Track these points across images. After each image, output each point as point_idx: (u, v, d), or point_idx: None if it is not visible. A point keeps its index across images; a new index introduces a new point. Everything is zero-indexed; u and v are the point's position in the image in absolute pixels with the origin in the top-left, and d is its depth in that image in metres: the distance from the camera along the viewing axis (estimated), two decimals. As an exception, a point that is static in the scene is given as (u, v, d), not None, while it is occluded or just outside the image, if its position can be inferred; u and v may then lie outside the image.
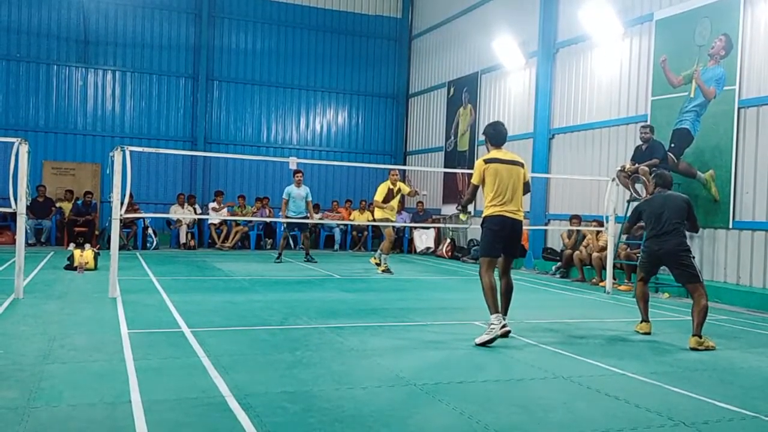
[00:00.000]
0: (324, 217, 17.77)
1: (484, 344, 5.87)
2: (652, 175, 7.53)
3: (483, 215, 6.49)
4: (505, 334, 6.10)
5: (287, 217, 13.40)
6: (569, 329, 7.07)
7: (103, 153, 16.72)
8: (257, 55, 19.28)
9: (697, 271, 6.62)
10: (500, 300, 6.35)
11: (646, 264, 7.11)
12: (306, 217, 13.57)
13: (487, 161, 6.43)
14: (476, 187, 6.58)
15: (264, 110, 19.44)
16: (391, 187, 12.36)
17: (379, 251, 12.59)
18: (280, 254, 13.79)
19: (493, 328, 5.95)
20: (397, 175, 12.51)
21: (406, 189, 12.72)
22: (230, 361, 5.02)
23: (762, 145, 9.69)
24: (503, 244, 6.36)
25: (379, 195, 12.39)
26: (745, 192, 9.87)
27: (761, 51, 9.73)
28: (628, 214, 11.13)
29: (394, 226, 12.80)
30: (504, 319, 6.26)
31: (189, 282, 10.19)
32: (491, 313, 6.07)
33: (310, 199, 13.76)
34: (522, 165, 6.51)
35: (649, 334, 6.91)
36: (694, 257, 6.76)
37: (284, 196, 13.59)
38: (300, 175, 13.64)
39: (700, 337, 6.27)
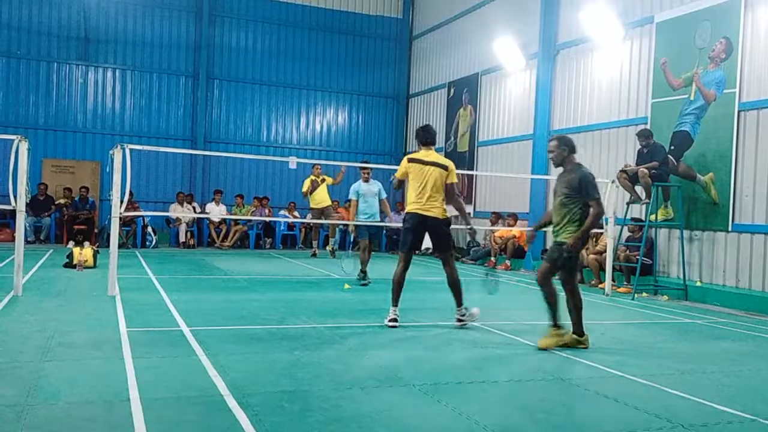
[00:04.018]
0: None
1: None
2: None
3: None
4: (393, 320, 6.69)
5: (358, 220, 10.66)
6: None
7: (102, 151, 16.70)
8: (257, 54, 19.28)
9: None
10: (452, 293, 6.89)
11: None
12: (381, 219, 10.96)
13: (410, 160, 6.93)
14: (400, 182, 7.11)
15: (264, 110, 19.44)
16: (314, 178, 13.83)
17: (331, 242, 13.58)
18: (363, 271, 10.34)
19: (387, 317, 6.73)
20: (319, 168, 14.12)
21: (329, 180, 14.23)
22: (229, 359, 5.02)
23: (762, 149, 9.69)
24: (418, 238, 6.79)
25: (305, 186, 14.00)
26: (744, 195, 9.88)
27: (761, 54, 9.74)
28: (628, 216, 11.19)
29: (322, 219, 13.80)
30: (461, 310, 6.81)
31: (188, 281, 10.18)
32: (392, 305, 6.77)
33: (384, 196, 10.91)
34: (445, 168, 6.82)
35: None
36: None
37: (351, 196, 10.79)
38: (367, 172, 10.74)
39: None
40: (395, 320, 6.70)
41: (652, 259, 10.97)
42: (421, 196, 6.73)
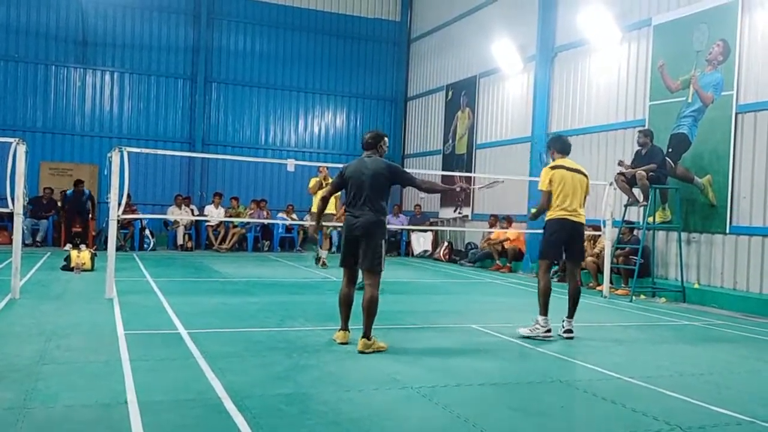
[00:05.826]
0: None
1: (524, 337, 6.45)
2: None
3: (546, 218, 6.81)
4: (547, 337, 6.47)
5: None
6: (566, 333, 7.05)
7: (100, 154, 16.65)
8: (255, 57, 19.29)
9: None
10: (567, 303, 6.79)
11: None
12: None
13: (555, 167, 6.81)
14: (549, 194, 6.75)
15: (262, 112, 19.45)
16: (320, 180, 12.89)
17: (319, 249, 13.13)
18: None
19: (537, 328, 6.47)
20: (326, 170, 12.88)
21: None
22: (227, 362, 5.01)
23: (759, 151, 9.71)
24: (564, 246, 6.74)
25: (311, 183, 12.99)
26: (742, 197, 9.89)
27: (759, 57, 9.76)
28: (625, 219, 11.19)
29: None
30: (571, 322, 6.71)
31: (186, 283, 10.17)
32: (540, 314, 6.51)
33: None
34: (586, 176, 6.93)
35: None
36: None
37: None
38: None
39: None
40: (550, 330, 6.56)
41: (646, 260, 10.92)
42: (571, 203, 6.69)
